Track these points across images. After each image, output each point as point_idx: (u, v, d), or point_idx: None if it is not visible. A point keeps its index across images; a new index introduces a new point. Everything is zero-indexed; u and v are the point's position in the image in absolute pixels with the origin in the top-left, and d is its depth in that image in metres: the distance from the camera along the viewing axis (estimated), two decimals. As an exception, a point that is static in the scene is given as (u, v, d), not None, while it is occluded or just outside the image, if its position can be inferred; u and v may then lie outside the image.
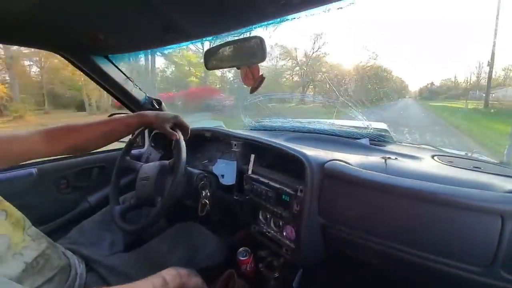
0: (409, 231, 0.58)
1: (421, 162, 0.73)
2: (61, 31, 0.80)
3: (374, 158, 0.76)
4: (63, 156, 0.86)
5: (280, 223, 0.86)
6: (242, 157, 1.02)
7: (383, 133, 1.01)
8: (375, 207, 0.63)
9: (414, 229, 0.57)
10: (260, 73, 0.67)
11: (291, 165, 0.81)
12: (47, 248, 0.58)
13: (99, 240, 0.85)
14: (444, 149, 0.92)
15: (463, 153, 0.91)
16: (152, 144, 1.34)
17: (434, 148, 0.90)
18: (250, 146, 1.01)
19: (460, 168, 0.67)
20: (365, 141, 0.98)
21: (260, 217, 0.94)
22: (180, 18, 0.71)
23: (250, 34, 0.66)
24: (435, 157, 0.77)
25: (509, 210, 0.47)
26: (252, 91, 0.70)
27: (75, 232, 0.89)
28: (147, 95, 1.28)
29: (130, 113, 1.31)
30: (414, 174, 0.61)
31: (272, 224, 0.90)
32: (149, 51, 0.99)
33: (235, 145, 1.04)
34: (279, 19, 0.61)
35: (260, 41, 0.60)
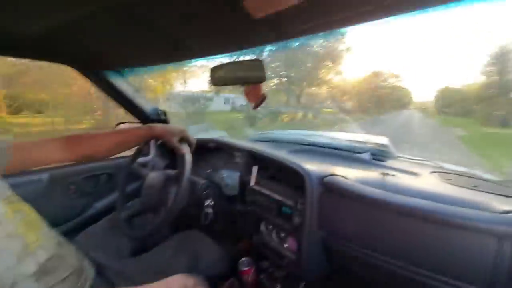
0: (406, 248, 0.59)
1: (419, 179, 0.75)
2: (76, 47, 0.85)
3: (373, 174, 0.78)
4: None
5: (282, 235, 0.88)
6: (245, 168, 1.04)
7: (383, 148, 1.03)
8: (373, 222, 0.64)
9: (411, 246, 0.58)
10: (262, 92, 0.71)
11: (292, 177, 0.83)
12: (60, 249, 0.61)
13: (105, 245, 0.88)
14: (445, 165, 0.93)
15: (464, 169, 0.92)
16: (158, 153, 1.38)
17: (434, 164, 0.91)
18: (253, 157, 1.03)
19: (458, 186, 0.69)
20: (366, 156, 1.00)
21: (262, 228, 0.96)
22: (187, 38, 0.75)
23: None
24: (435, 174, 0.79)
25: (505, 231, 0.48)
26: (254, 107, 0.74)
27: (83, 236, 0.92)
28: (153, 106, 1.33)
29: (137, 124, 1.36)
30: (411, 191, 0.63)
31: (273, 236, 0.91)
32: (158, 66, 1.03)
33: (238, 156, 1.07)
34: (280, 45, 0.65)
35: (260, 63, 0.64)
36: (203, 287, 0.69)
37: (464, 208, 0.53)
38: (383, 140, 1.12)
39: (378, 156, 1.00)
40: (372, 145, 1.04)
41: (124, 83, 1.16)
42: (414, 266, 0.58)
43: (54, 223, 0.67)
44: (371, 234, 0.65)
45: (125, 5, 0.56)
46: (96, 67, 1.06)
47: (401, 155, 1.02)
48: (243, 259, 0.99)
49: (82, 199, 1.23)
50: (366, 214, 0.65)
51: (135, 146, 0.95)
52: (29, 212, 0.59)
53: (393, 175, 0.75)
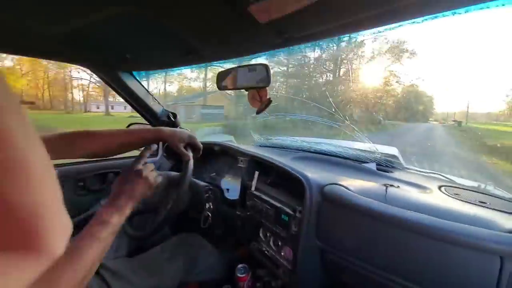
0: (405, 263, 0.56)
1: (424, 193, 0.71)
2: (95, 50, 0.90)
3: (376, 185, 0.76)
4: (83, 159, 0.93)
5: (279, 243, 0.86)
6: (248, 173, 1.04)
7: (391, 159, 1.00)
8: (372, 235, 0.62)
9: (410, 262, 0.56)
10: (267, 97, 0.71)
11: (293, 185, 0.82)
12: None
13: None
14: (455, 179, 0.88)
15: (475, 184, 0.87)
16: (165, 155, 1.41)
17: (444, 178, 0.87)
18: (256, 163, 1.03)
19: (465, 202, 0.65)
20: (372, 166, 0.97)
21: (261, 234, 0.94)
22: (198, 43, 0.78)
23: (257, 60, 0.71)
24: (442, 188, 0.75)
25: (509, 251, 0.45)
26: (257, 112, 0.74)
27: None
28: (164, 108, 1.37)
29: (148, 126, 1.41)
30: (414, 204, 0.60)
31: (271, 243, 0.90)
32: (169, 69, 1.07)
33: (241, 161, 1.07)
34: (285, 49, 0.65)
35: (266, 68, 0.65)
36: None
37: (467, 225, 0.50)
38: (392, 150, 1.08)
39: (384, 167, 0.97)
40: (378, 155, 1.01)
41: (137, 84, 1.21)
42: (412, 283, 0.55)
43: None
44: (369, 248, 0.63)
45: (141, 11, 0.59)
46: (111, 68, 1.11)
47: (409, 167, 0.99)
48: (240, 265, 0.97)
49: (90, 196, 1.26)
50: (365, 226, 0.63)
51: (142, 147, 0.97)
52: None
53: (397, 187, 0.73)
